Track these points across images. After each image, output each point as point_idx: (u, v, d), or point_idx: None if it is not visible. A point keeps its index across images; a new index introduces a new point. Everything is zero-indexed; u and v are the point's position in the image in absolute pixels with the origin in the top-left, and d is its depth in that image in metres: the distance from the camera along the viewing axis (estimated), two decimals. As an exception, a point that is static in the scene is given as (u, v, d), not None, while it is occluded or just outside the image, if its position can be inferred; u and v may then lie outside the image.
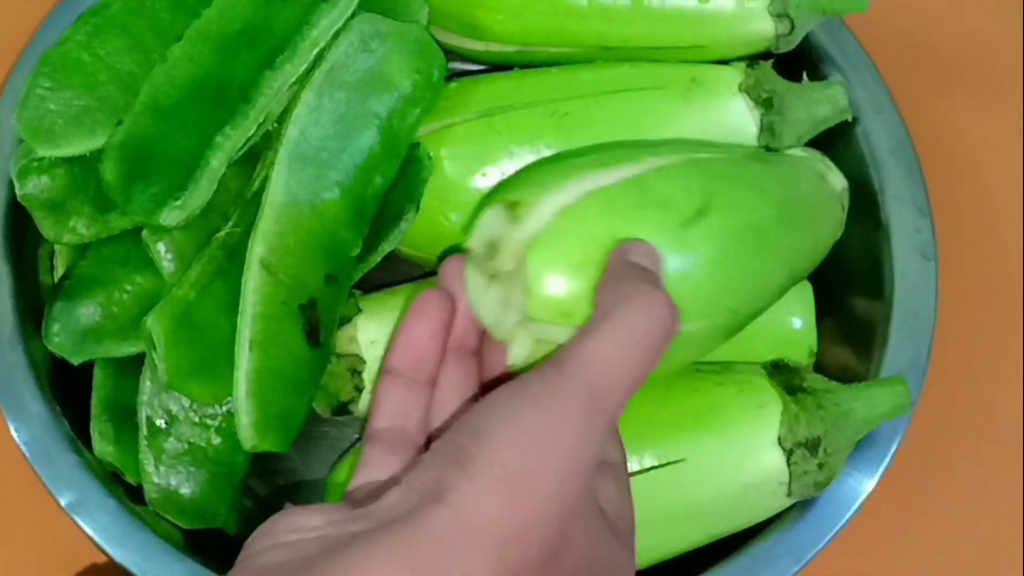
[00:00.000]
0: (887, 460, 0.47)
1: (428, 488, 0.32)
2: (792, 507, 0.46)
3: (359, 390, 0.48)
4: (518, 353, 0.39)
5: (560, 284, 0.37)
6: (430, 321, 0.40)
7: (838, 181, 0.50)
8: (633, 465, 0.43)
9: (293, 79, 0.46)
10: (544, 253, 0.38)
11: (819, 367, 0.49)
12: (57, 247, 0.50)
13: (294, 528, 0.34)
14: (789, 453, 0.44)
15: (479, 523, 0.31)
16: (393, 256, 0.49)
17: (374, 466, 0.38)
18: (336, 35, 0.47)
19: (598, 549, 0.34)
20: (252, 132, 0.45)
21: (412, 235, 0.49)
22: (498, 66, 0.54)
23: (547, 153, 0.49)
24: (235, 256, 0.45)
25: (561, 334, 0.37)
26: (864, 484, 0.46)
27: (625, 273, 0.37)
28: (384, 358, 0.40)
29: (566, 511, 0.32)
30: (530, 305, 0.38)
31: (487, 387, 0.41)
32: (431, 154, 0.49)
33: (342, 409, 0.49)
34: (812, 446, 0.44)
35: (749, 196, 0.43)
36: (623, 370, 0.34)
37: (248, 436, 0.43)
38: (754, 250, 0.42)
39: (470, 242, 0.41)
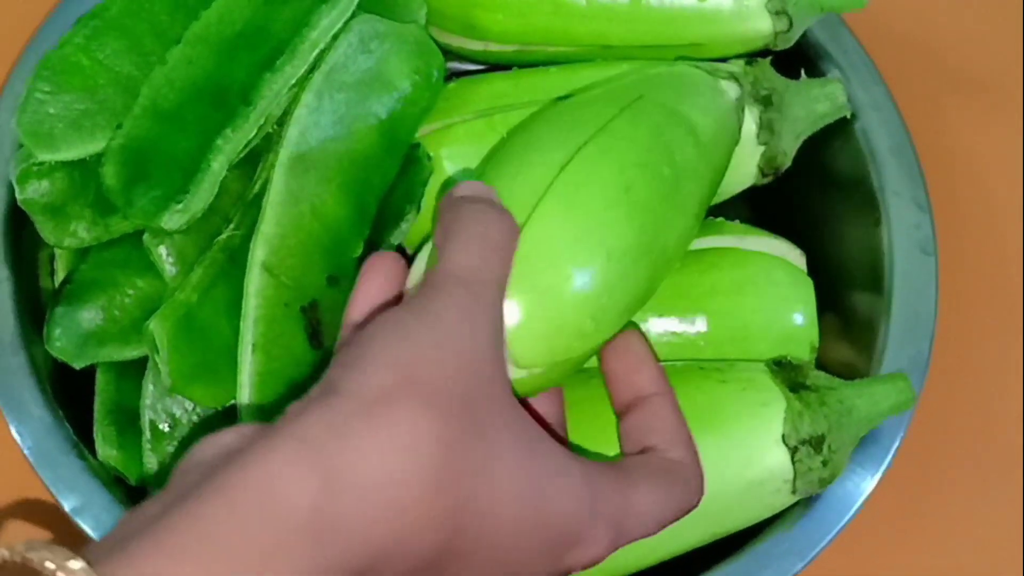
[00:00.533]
0: (890, 457, 0.47)
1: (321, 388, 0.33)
2: (795, 505, 0.46)
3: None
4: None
5: None
6: (383, 276, 0.39)
7: (731, 89, 0.47)
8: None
9: (293, 81, 0.46)
10: None
11: (820, 363, 0.49)
12: (57, 251, 0.50)
13: (211, 444, 0.33)
14: (793, 450, 0.44)
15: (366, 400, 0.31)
16: (394, 257, 0.49)
17: None
18: (335, 36, 0.47)
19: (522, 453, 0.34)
20: (252, 134, 0.45)
21: (413, 235, 0.49)
22: (497, 66, 0.54)
23: (547, 152, 0.49)
24: (237, 259, 0.45)
25: None
26: (867, 481, 0.46)
27: (456, 202, 0.38)
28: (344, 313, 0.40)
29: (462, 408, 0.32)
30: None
31: None
32: (431, 154, 0.49)
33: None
34: (816, 443, 0.44)
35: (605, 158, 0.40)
36: (485, 269, 0.36)
37: (251, 439, 0.43)
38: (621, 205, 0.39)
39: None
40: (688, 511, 0.38)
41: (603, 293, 0.38)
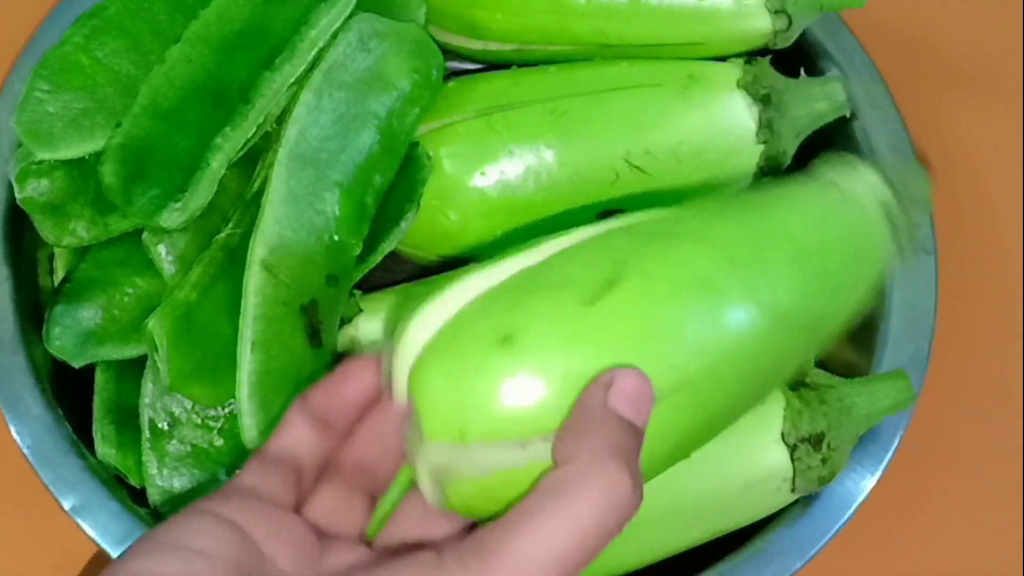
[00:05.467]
0: (889, 455, 0.47)
1: None
2: (795, 503, 0.46)
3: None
4: (426, 491, 0.34)
5: (443, 396, 0.32)
6: (360, 381, 0.37)
7: (869, 191, 0.38)
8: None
9: (292, 79, 0.46)
10: (424, 371, 0.33)
11: (820, 362, 0.49)
12: (57, 250, 0.50)
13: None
14: (792, 449, 0.44)
15: None
16: (393, 256, 0.49)
17: (249, 480, 0.35)
18: (334, 35, 0.47)
19: None
20: (251, 133, 0.45)
21: (412, 234, 0.49)
22: (496, 65, 0.54)
23: (546, 151, 0.49)
24: (236, 257, 0.45)
25: (461, 459, 0.32)
26: (867, 479, 0.46)
27: (596, 427, 0.31)
28: (302, 392, 0.37)
29: None
30: (425, 429, 0.33)
31: None
32: (430, 153, 0.49)
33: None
34: (815, 441, 0.44)
35: (680, 249, 0.35)
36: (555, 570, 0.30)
37: (251, 437, 0.43)
38: (702, 304, 0.34)
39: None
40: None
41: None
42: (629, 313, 0.33)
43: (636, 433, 0.32)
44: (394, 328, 0.35)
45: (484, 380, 0.32)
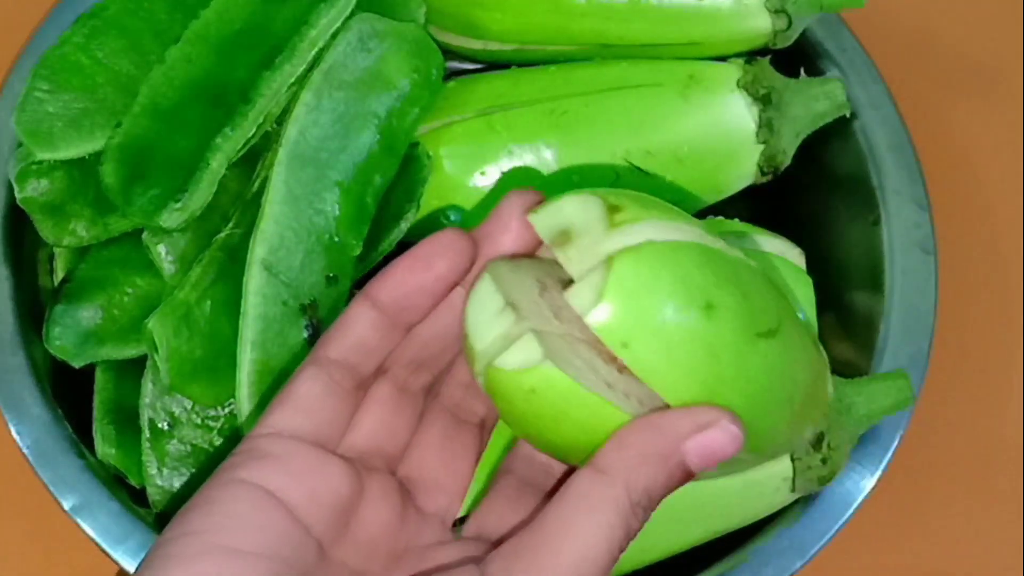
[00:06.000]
0: (889, 455, 0.47)
1: None
2: (795, 503, 0.46)
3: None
4: (516, 356, 0.33)
5: (640, 302, 0.32)
6: (439, 269, 0.35)
7: (830, 386, 0.42)
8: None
9: (292, 79, 0.46)
10: (638, 266, 0.33)
11: (820, 362, 0.49)
12: (57, 250, 0.50)
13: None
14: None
15: None
16: (393, 256, 0.49)
17: (301, 406, 0.34)
18: (334, 35, 0.47)
19: None
20: (251, 133, 0.45)
21: (412, 234, 0.49)
22: (496, 65, 0.54)
23: (546, 151, 0.49)
24: (236, 257, 0.45)
25: (584, 350, 0.33)
26: (867, 479, 0.46)
27: (653, 460, 0.31)
28: (368, 283, 0.36)
29: None
30: (593, 312, 0.32)
31: None
32: (430, 153, 0.49)
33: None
34: (815, 441, 0.43)
35: (799, 348, 0.37)
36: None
37: (251, 437, 0.43)
38: (781, 401, 0.36)
39: (536, 215, 0.35)
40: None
41: None
42: (775, 362, 0.35)
43: (686, 479, 0.32)
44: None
45: (678, 320, 0.32)
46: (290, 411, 0.34)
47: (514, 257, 0.36)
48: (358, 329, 0.35)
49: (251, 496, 0.32)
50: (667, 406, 0.33)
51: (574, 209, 0.34)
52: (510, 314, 0.33)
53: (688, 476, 0.32)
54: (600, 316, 0.32)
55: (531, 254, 0.36)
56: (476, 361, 0.34)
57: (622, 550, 0.31)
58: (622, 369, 0.33)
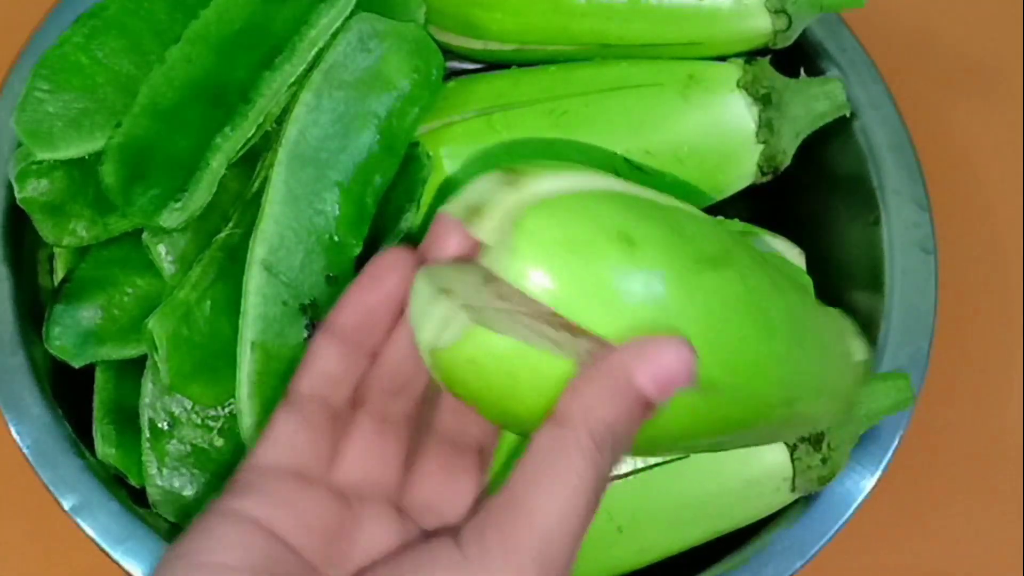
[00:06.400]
0: (889, 455, 0.47)
1: None
2: (795, 503, 0.46)
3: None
4: (434, 331, 0.33)
5: (556, 252, 0.32)
6: (388, 285, 0.35)
7: (859, 351, 0.42)
8: (637, 462, 0.43)
9: (292, 79, 0.46)
10: (546, 217, 0.32)
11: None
12: (57, 250, 0.50)
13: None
14: (793, 448, 0.44)
15: None
16: (393, 256, 0.49)
17: (280, 442, 0.35)
18: (334, 35, 0.47)
19: None
20: (251, 133, 0.45)
21: (412, 234, 0.49)
22: (496, 64, 0.54)
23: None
24: (236, 257, 0.44)
25: (514, 316, 0.32)
26: (867, 479, 0.46)
27: (608, 398, 0.31)
28: (328, 313, 0.36)
29: None
30: (512, 268, 0.32)
31: None
32: (430, 153, 0.49)
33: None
34: (815, 441, 0.44)
35: (765, 280, 0.36)
36: (573, 532, 0.30)
37: (250, 437, 0.43)
38: (757, 330, 0.35)
39: (448, 205, 0.35)
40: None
41: None
42: (731, 290, 0.34)
43: (648, 413, 0.31)
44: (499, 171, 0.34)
45: (596, 258, 0.32)
46: (270, 448, 0.35)
47: (458, 260, 0.35)
48: (322, 362, 0.36)
49: (238, 522, 0.32)
50: None
51: (478, 186, 0.34)
52: (444, 299, 0.32)
53: (649, 407, 0.31)
54: (521, 275, 0.31)
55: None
56: (424, 355, 0.33)
57: (598, 494, 0.31)
58: (575, 331, 0.32)
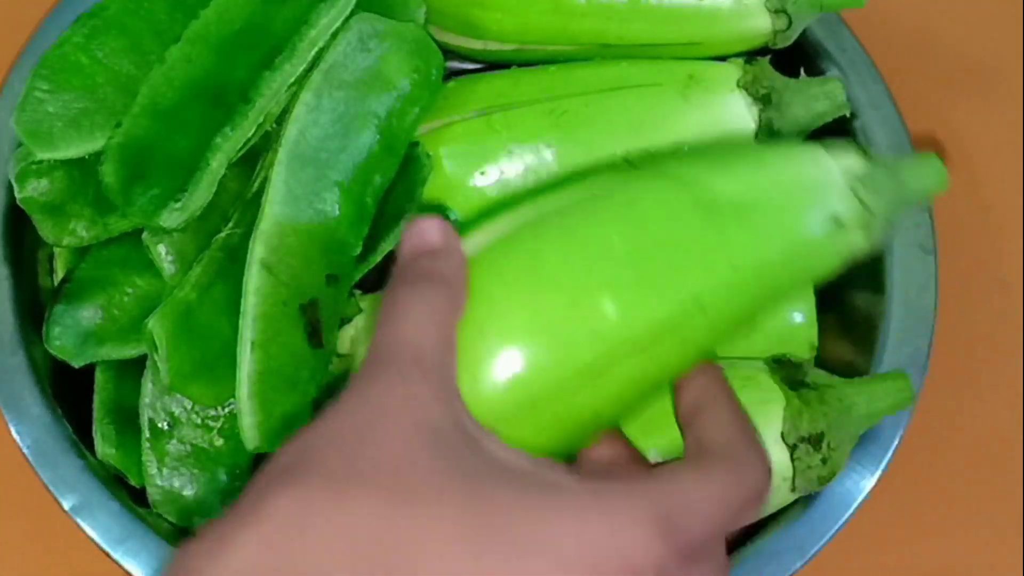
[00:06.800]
0: (889, 455, 0.47)
1: None
2: (795, 503, 0.46)
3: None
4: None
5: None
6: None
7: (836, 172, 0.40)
8: (637, 462, 0.43)
9: (292, 79, 0.46)
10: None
11: (820, 362, 0.49)
12: (57, 250, 0.50)
13: None
14: (792, 448, 0.44)
15: None
16: (393, 256, 0.49)
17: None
18: (334, 35, 0.47)
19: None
20: (251, 133, 0.45)
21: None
22: (496, 64, 0.54)
23: (546, 151, 0.49)
24: (236, 257, 0.44)
25: None
26: (867, 479, 0.46)
27: (399, 270, 0.37)
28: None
29: None
30: None
31: None
32: (430, 153, 0.49)
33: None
34: (815, 441, 0.43)
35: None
36: (421, 343, 0.34)
37: (251, 437, 0.43)
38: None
39: None
40: (752, 497, 0.34)
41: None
42: None
43: (444, 287, 0.36)
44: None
45: None
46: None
47: None
48: None
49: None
50: None
51: None
52: None
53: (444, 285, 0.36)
54: None
55: None
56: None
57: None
58: None
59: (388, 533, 0.29)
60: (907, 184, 0.41)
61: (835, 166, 0.40)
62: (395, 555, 0.29)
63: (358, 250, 0.46)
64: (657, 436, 0.43)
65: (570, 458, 0.38)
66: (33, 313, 0.48)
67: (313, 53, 0.46)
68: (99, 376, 0.49)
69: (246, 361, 0.43)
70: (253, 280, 0.43)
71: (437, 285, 0.35)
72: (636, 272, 0.37)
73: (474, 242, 0.38)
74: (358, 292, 0.49)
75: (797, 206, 0.39)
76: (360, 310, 0.49)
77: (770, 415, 0.44)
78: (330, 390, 0.46)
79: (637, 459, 0.39)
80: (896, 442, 0.47)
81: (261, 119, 0.45)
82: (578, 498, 0.31)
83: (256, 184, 0.46)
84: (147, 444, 0.46)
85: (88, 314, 0.47)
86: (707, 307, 0.38)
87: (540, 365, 0.36)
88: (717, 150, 0.43)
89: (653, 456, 0.43)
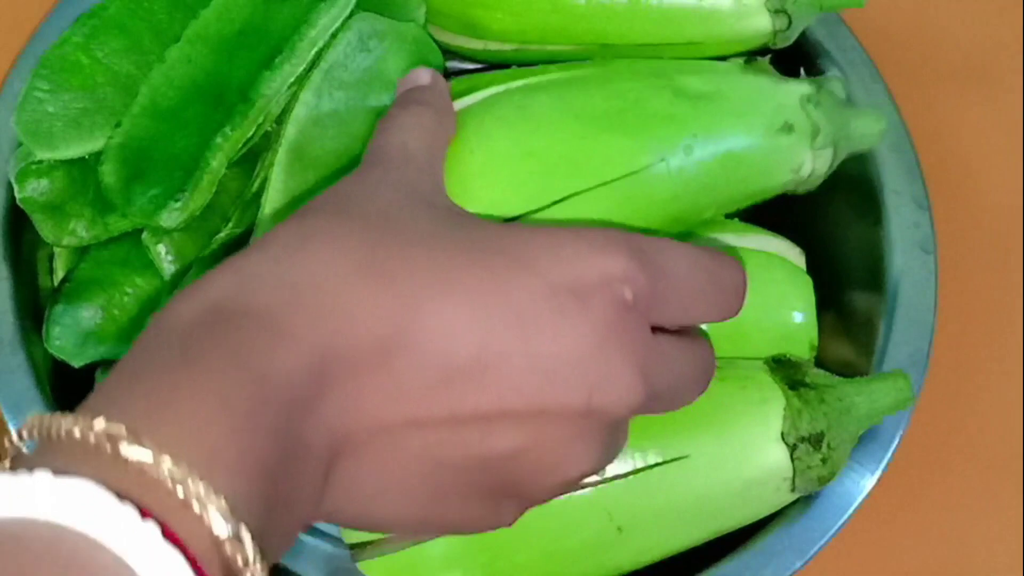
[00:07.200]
0: (889, 454, 0.47)
1: None
2: (795, 502, 0.46)
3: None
4: None
5: None
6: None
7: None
8: (637, 462, 0.43)
9: (292, 79, 0.46)
10: None
11: (820, 361, 0.49)
12: (56, 250, 0.50)
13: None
14: (792, 448, 0.44)
15: None
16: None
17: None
18: (334, 35, 0.47)
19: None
20: (251, 132, 0.45)
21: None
22: (496, 64, 0.54)
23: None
24: (236, 257, 0.44)
25: None
26: (867, 478, 0.46)
27: (400, 98, 0.42)
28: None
29: None
30: None
31: None
32: (430, 153, 0.49)
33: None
34: (815, 441, 0.44)
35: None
36: (414, 147, 0.39)
37: (251, 437, 0.43)
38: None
39: None
40: (722, 268, 0.37)
41: None
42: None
43: (431, 109, 0.41)
44: None
45: None
46: None
47: None
48: None
49: None
50: None
51: None
52: None
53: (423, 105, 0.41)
54: None
55: None
56: None
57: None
58: None
59: (381, 249, 0.32)
60: (851, 124, 0.48)
61: (793, 87, 0.47)
62: (388, 263, 0.32)
63: (358, 250, 0.46)
64: (657, 436, 0.43)
65: None
66: (33, 313, 0.48)
67: (313, 53, 0.46)
68: (99, 376, 0.48)
69: (246, 361, 0.43)
70: (253, 280, 0.43)
71: (425, 106, 0.41)
72: (613, 123, 0.43)
73: (471, 97, 0.45)
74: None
75: (756, 103, 0.46)
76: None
77: (770, 415, 0.44)
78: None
79: None
80: (896, 442, 0.47)
81: (261, 119, 0.45)
82: (554, 231, 0.34)
83: (256, 184, 0.46)
84: (147, 444, 0.46)
85: (88, 314, 0.47)
86: (672, 171, 0.43)
87: (523, 190, 0.42)
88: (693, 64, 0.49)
89: (653, 457, 0.43)
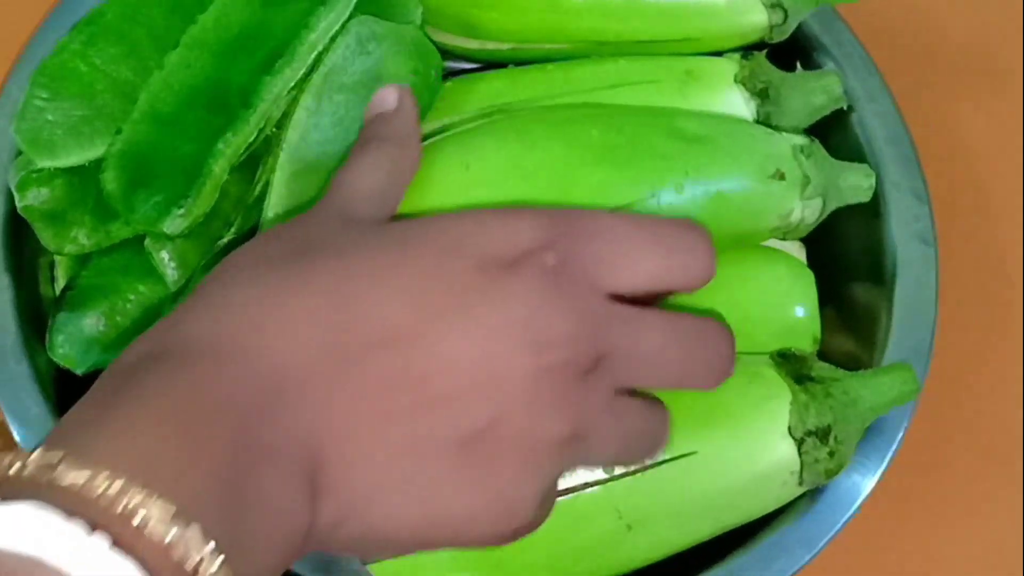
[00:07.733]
0: (895, 447, 0.47)
1: None
2: (802, 497, 0.46)
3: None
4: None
5: None
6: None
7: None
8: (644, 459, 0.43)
9: (291, 83, 0.46)
10: None
11: (822, 355, 0.49)
12: (58, 258, 0.50)
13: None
14: (800, 442, 0.44)
15: None
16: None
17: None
18: (333, 38, 0.46)
19: None
20: (252, 137, 0.45)
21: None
22: (494, 64, 0.54)
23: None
24: (239, 262, 0.44)
25: None
26: (873, 471, 0.47)
27: (366, 128, 0.42)
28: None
29: None
30: None
31: None
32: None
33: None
34: (822, 434, 0.44)
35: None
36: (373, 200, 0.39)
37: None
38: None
39: None
40: (672, 231, 0.37)
41: None
42: None
43: (389, 144, 0.41)
44: None
45: None
46: None
47: None
48: None
49: None
50: None
51: None
52: None
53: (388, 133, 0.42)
54: None
55: None
56: None
57: None
58: None
59: (343, 270, 0.34)
60: (841, 177, 0.49)
61: (786, 138, 0.48)
62: (322, 275, 0.34)
63: (360, 252, 0.46)
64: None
65: None
66: (35, 321, 0.48)
67: (312, 56, 0.46)
68: (103, 383, 0.48)
69: (251, 366, 0.43)
70: (257, 284, 0.43)
71: (383, 142, 0.41)
72: (606, 155, 0.44)
73: (475, 123, 0.46)
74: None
75: (750, 148, 0.47)
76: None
77: (777, 410, 0.44)
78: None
79: None
80: (901, 434, 0.47)
81: (262, 123, 0.45)
82: (478, 213, 0.36)
83: (258, 188, 0.46)
84: (153, 450, 0.46)
85: (91, 321, 0.47)
86: (663, 206, 0.44)
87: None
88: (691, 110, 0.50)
89: (661, 454, 0.43)
